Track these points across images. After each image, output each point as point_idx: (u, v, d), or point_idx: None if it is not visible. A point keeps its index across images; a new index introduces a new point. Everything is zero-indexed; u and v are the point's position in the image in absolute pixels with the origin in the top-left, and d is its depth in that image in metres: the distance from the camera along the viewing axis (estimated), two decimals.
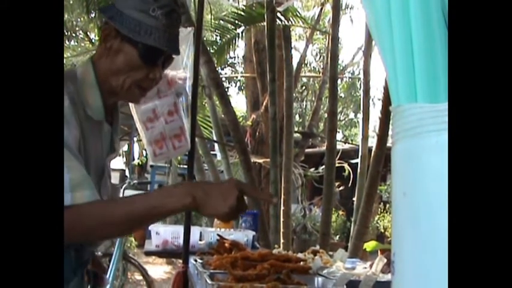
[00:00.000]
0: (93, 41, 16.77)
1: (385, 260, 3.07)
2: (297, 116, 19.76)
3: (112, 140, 2.11)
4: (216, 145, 10.11)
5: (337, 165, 8.19)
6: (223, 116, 8.24)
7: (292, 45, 9.62)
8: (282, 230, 7.33)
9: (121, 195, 6.90)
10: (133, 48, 1.93)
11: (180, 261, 4.12)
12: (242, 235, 4.48)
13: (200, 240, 4.52)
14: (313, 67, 20.88)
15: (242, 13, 9.51)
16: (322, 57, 19.22)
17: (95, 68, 1.98)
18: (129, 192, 7.13)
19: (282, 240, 7.24)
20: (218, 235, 3.98)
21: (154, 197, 1.73)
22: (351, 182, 10.96)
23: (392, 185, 0.76)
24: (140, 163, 16.55)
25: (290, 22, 8.99)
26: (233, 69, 18.76)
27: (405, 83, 0.72)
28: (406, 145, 0.73)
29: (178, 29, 2.09)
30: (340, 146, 11.68)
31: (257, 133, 11.07)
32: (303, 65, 15.52)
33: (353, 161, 10.97)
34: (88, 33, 16.80)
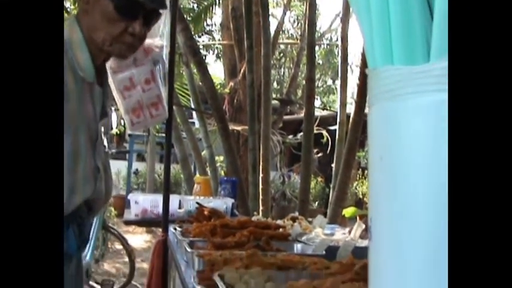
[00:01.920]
0: (68, 10, 16.52)
1: (364, 226, 3.10)
2: (274, 83, 19.73)
3: (103, 103, 2.07)
4: (194, 113, 10.08)
5: (315, 132, 8.22)
6: (200, 83, 8.21)
7: (270, 12, 9.54)
8: (261, 197, 7.35)
9: None
10: (109, 1, 1.89)
11: (160, 229, 4.13)
12: (221, 203, 4.49)
13: (179, 208, 4.53)
14: (291, 34, 20.80)
15: None
16: (299, 24, 19.15)
17: (81, 26, 1.93)
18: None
19: (261, 208, 7.26)
20: (197, 203, 3.99)
21: None
22: (329, 148, 11.00)
23: (368, 149, 0.75)
24: (118, 132, 16.46)
25: None
26: (210, 37, 18.62)
27: (381, 45, 0.71)
28: (383, 108, 0.72)
29: None
30: (318, 112, 11.68)
31: (235, 100, 11.04)
32: (280, 32, 15.46)
33: (331, 128, 11.00)
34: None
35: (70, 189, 1.79)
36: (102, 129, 2.05)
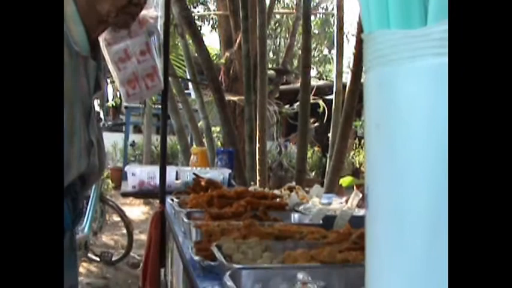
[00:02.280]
0: None
1: (361, 195, 3.10)
2: (270, 53, 19.65)
3: (97, 77, 2.05)
4: (190, 84, 10.05)
5: (311, 101, 8.20)
6: (196, 54, 8.16)
7: None
8: (257, 167, 7.35)
9: None
10: None
11: (157, 201, 4.13)
12: (218, 173, 4.49)
13: (176, 179, 4.53)
14: (286, 3, 20.66)
15: None
16: None
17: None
18: (105, 135, 7.09)
19: (258, 178, 7.27)
20: (194, 174, 3.99)
21: None
22: (325, 118, 10.99)
23: (365, 116, 0.74)
24: (114, 105, 16.44)
25: None
26: (205, 7, 18.50)
27: (377, 9, 0.70)
28: (379, 73, 0.71)
29: None
30: (314, 82, 11.64)
31: (231, 71, 10.99)
32: (276, 2, 15.36)
33: (328, 97, 10.97)
34: None
35: (65, 164, 1.78)
36: (97, 102, 2.04)
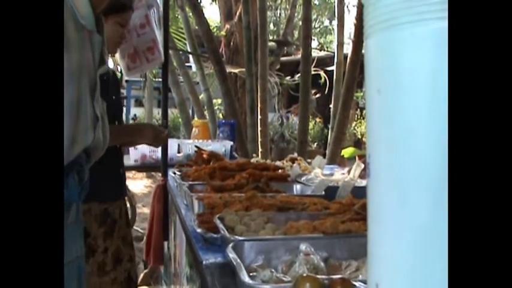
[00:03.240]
0: None
1: (363, 166, 3.10)
2: (271, 25, 19.56)
3: (102, 51, 2.00)
4: (190, 57, 10.02)
5: (313, 72, 8.18)
6: (196, 27, 8.13)
7: None
8: (259, 139, 7.35)
9: None
10: None
11: (160, 174, 4.14)
12: (220, 145, 4.49)
13: (178, 152, 4.54)
14: None
15: None
16: None
17: None
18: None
19: (260, 149, 7.28)
20: (196, 146, 3.98)
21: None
22: (327, 89, 10.96)
23: (365, 83, 0.73)
24: None
25: None
26: None
27: None
28: (379, 39, 0.70)
29: None
30: (315, 53, 11.61)
31: (231, 43, 10.96)
32: None
33: (329, 68, 10.94)
34: None
35: (72, 139, 1.76)
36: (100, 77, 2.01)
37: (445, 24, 0.63)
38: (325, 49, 18.44)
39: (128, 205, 7.31)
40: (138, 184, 11.12)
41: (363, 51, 0.73)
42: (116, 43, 2.99)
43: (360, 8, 6.35)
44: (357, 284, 1.31)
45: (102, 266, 2.88)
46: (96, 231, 2.86)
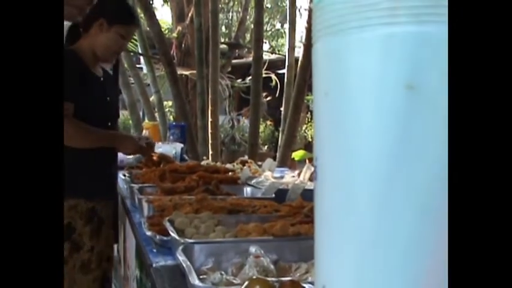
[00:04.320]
0: None
1: (313, 169, 3.11)
2: (223, 27, 19.52)
3: None
4: (141, 58, 9.95)
5: (264, 75, 8.19)
6: (148, 28, 8.09)
7: None
8: (210, 141, 7.35)
9: None
10: None
11: None
12: (170, 148, 4.47)
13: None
14: None
15: None
16: None
17: None
18: None
19: (210, 152, 7.27)
20: None
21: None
22: (278, 92, 11.00)
23: (313, 86, 0.74)
24: None
25: None
26: None
27: None
28: (327, 43, 0.71)
29: None
30: (267, 56, 11.63)
31: (183, 45, 10.93)
32: None
33: (280, 72, 10.97)
34: None
35: None
36: None
37: (391, 29, 0.64)
38: (277, 52, 18.48)
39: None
40: None
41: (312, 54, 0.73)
42: (114, 53, 2.98)
43: (312, 12, 6.40)
44: (306, 286, 1.31)
45: (87, 264, 2.88)
46: (82, 228, 2.85)
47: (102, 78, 3.02)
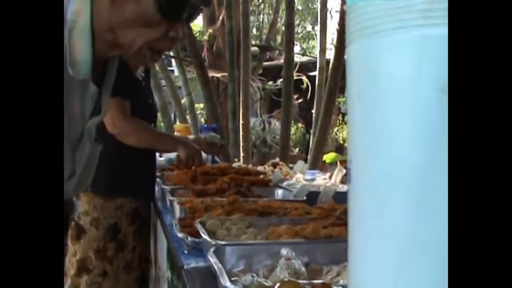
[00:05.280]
0: None
1: (344, 171, 3.11)
2: (254, 30, 19.54)
3: (99, 101, 1.68)
4: (173, 61, 10.00)
5: (295, 77, 8.19)
6: None
7: None
8: (241, 143, 7.36)
9: None
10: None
11: None
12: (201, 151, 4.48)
13: (160, 156, 4.52)
14: None
15: None
16: None
17: (94, 9, 1.48)
18: None
19: (241, 154, 7.28)
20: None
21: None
22: (309, 94, 10.97)
23: (347, 89, 0.74)
24: None
25: None
26: None
27: None
28: (361, 45, 0.70)
29: None
30: (298, 58, 11.60)
31: (214, 47, 10.96)
32: None
33: (311, 74, 10.94)
34: None
35: None
36: (94, 127, 1.75)
37: (426, 31, 0.63)
38: (308, 54, 18.46)
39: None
40: None
41: (345, 56, 0.73)
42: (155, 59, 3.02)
43: (343, 13, 6.38)
44: None
45: (130, 264, 2.95)
46: (127, 228, 2.93)
47: (143, 82, 3.08)
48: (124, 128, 2.78)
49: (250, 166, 3.89)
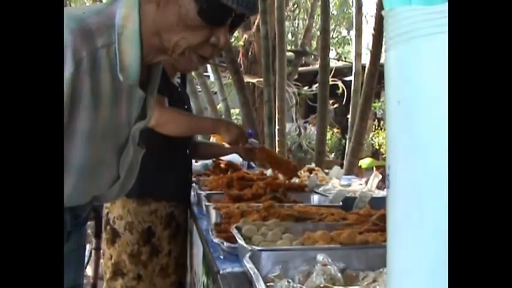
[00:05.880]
0: None
1: (380, 176, 3.09)
2: (289, 35, 19.56)
3: (145, 107, 1.70)
4: (208, 66, 10.05)
5: (330, 83, 8.16)
6: None
7: None
8: (277, 148, 7.35)
9: None
10: (191, 1, 1.47)
11: None
12: (237, 155, 4.49)
13: (196, 162, 4.53)
14: None
15: None
16: None
17: (141, 13, 1.51)
18: None
19: None
20: None
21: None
22: (345, 99, 10.94)
23: (385, 94, 0.73)
24: None
25: None
26: None
27: None
28: (400, 50, 0.70)
29: None
30: (333, 63, 11.59)
31: (249, 53, 10.99)
32: None
33: (347, 79, 10.93)
34: None
35: (82, 192, 1.62)
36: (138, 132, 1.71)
37: None
38: (343, 59, 18.42)
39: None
40: None
41: (381, 61, 0.72)
42: (195, 67, 3.05)
43: (378, 18, 6.35)
44: None
45: (165, 268, 2.98)
46: (161, 232, 2.95)
47: (179, 88, 3.11)
48: (161, 117, 2.78)
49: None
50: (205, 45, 1.56)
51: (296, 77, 12.34)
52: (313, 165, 4.60)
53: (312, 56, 14.35)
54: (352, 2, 12.20)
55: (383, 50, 6.00)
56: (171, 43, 1.53)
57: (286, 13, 10.78)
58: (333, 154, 14.65)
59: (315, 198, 3.02)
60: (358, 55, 8.33)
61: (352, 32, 10.33)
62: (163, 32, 1.52)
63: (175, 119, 2.84)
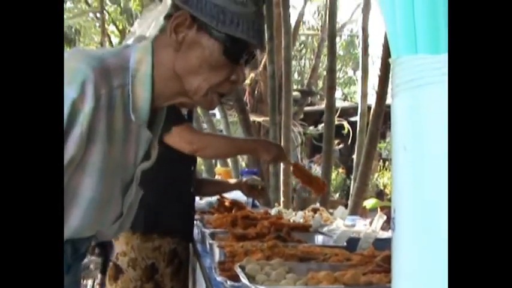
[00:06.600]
0: (88, 1, 16.70)
1: (385, 217, 3.08)
2: (295, 74, 19.68)
3: (149, 147, 1.73)
4: None
5: (336, 123, 8.20)
6: None
7: (290, 3, 9.51)
8: (282, 188, 7.35)
9: None
10: (214, 41, 1.52)
11: None
12: (242, 194, 4.49)
13: (200, 199, 4.53)
14: (312, 25, 20.73)
15: None
16: (320, 15, 19.06)
17: (154, 58, 1.57)
18: None
19: (282, 199, 7.26)
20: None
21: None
22: (350, 139, 10.97)
23: (392, 139, 0.74)
24: None
25: None
26: None
27: (405, 33, 0.70)
28: (407, 97, 0.71)
29: (264, 19, 1.65)
30: (339, 103, 11.64)
31: (256, 92, 11.05)
32: (301, 23, 15.42)
33: (352, 119, 10.96)
34: None
35: (88, 224, 1.64)
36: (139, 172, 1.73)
37: None
38: (349, 99, 18.49)
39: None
40: None
41: (387, 102, 0.73)
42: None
43: (385, 59, 6.40)
44: None
45: None
46: (164, 269, 2.95)
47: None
48: (200, 142, 2.80)
49: (290, 210, 3.88)
50: (226, 83, 1.60)
51: (302, 116, 12.39)
52: (317, 205, 4.60)
53: (318, 96, 14.42)
54: (359, 43, 12.29)
55: (389, 90, 6.03)
56: (193, 85, 1.57)
57: (293, 53, 10.87)
58: (338, 194, 14.60)
59: (319, 239, 3.01)
60: (364, 95, 8.37)
61: (358, 73, 10.40)
62: (185, 75, 1.56)
63: (214, 142, 2.87)
